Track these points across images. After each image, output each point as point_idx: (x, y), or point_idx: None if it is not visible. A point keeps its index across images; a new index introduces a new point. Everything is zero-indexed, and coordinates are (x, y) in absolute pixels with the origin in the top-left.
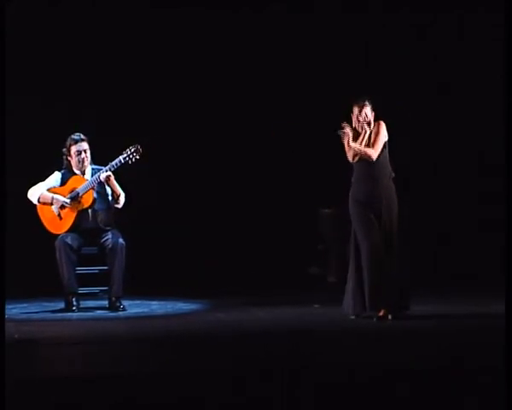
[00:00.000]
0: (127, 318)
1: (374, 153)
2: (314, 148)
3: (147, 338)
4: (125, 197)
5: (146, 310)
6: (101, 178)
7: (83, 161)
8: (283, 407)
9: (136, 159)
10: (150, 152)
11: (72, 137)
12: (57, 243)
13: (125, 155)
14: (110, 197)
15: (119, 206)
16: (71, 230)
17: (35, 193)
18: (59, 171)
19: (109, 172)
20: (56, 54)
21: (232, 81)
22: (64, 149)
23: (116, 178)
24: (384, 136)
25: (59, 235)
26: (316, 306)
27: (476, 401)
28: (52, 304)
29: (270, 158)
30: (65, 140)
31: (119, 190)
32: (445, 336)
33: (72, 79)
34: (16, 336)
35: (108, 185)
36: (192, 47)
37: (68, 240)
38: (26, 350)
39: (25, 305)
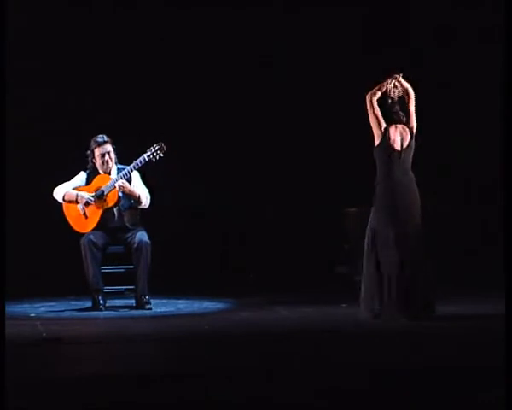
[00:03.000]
0: (153, 317)
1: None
2: (340, 147)
3: (170, 337)
4: (151, 196)
5: (172, 309)
6: (116, 186)
7: (107, 163)
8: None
9: (160, 157)
10: (174, 150)
11: (96, 139)
12: (82, 241)
13: (149, 153)
14: (132, 201)
15: (144, 206)
16: (96, 228)
17: (60, 192)
18: (84, 171)
19: (122, 181)
20: (76, 51)
21: (256, 79)
22: (88, 152)
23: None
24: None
25: (84, 233)
26: (343, 305)
27: (476, 401)
28: (80, 303)
29: (296, 157)
30: (89, 141)
31: (136, 193)
32: (445, 336)
33: (93, 79)
34: (44, 334)
35: (124, 193)
36: (209, 46)
37: (93, 238)
38: (49, 349)
39: (52, 303)
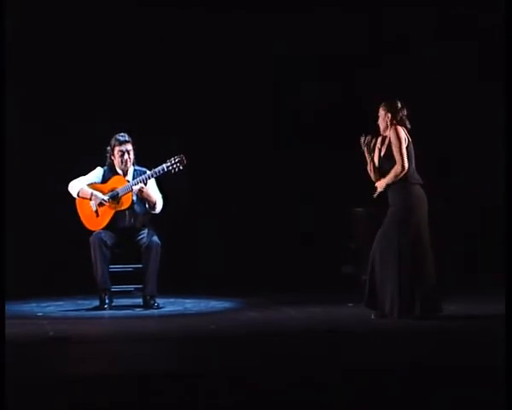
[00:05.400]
0: (160, 316)
1: (399, 167)
2: (346, 146)
3: (174, 337)
4: (164, 201)
5: (179, 308)
6: (133, 189)
7: (125, 162)
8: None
9: (179, 169)
10: (186, 152)
11: (117, 137)
12: (92, 239)
13: (169, 164)
14: (147, 205)
15: (157, 212)
16: (106, 228)
17: (75, 186)
18: (101, 167)
19: (141, 185)
20: (76, 52)
21: (257, 79)
22: (108, 148)
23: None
24: (397, 143)
25: (94, 231)
26: (349, 305)
27: (476, 401)
28: (87, 302)
29: (302, 157)
30: (110, 139)
31: (153, 198)
32: (445, 336)
33: (93, 79)
34: (51, 333)
35: (142, 197)
36: (208, 46)
37: (103, 237)
38: (53, 348)
39: (60, 303)
